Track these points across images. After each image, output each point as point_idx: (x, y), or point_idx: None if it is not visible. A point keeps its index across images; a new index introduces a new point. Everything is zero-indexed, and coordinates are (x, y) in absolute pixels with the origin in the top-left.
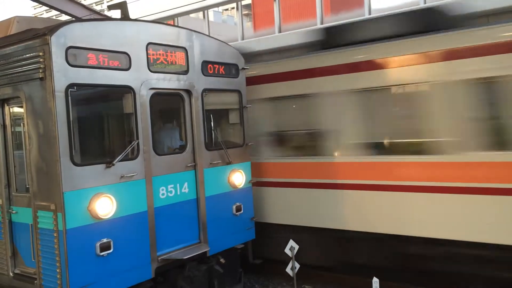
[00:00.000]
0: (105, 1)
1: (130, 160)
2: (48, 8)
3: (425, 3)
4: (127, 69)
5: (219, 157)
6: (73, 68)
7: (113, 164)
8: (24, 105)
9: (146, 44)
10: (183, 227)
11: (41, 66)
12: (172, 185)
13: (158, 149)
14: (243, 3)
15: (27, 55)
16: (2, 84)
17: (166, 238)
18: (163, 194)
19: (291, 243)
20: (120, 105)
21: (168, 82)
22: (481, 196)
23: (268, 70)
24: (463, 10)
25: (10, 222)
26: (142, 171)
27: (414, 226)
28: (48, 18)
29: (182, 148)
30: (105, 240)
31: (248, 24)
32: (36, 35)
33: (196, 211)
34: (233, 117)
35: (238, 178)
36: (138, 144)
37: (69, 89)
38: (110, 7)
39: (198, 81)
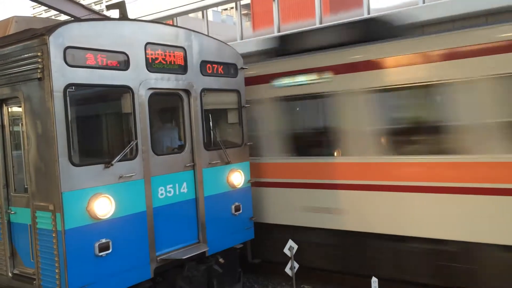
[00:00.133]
0: (104, 1)
1: (129, 160)
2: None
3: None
4: (126, 69)
5: (218, 157)
6: (71, 68)
7: (112, 164)
8: (22, 105)
9: (144, 44)
10: (182, 227)
11: (39, 66)
12: (171, 185)
13: (156, 149)
14: (242, 2)
15: (26, 55)
16: (0, 84)
17: (165, 238)
18: (162, 194)
19: (290, 243)
20: (119, 105)
21: (166, 82)
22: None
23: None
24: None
25: (9, 222)
26: (140, 171)
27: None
28: (47, 18)
29: (181, 148)
30: (104, 240)
31: (247, 24)
32: (34, 35)
33: (195, 211)
34: (232, 117)
35: (237, 178)
36: (136, 144)
37: (67, 89)
38: (109, 7)
39: (197, 81)
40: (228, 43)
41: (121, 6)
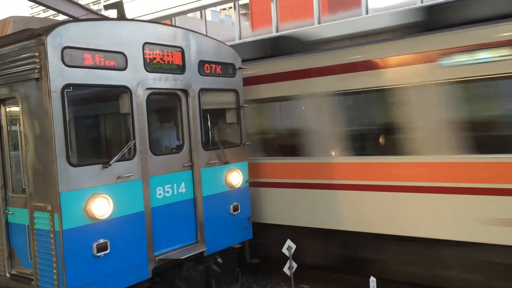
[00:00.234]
0: (101, 1)
1: (127, 160)
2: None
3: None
4: (124, 69)
5: (216, 157)
6: (69, 68)
7: (110, 165)
8: (20, 105)
9: (142, 44)
10: (180, 227)
11: (37, 66)
12: (169, 185)
13: (155, 149)
14: (241, 2)
15: (23, 56)
16: None
17: (163, 238)
18: (160, 194)
19: (289, 242)
20: (117, 105)
21: (164, 82)
22: None
23: None
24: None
25: (7, 223)
26: (139, 171)
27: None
28: (45, 18)
29: (179, 148)
30: (102, 240)
31: (245, 24)
32: (32, 35)
33: (193, 211)
34: (230, 117)
35: (235, 177)
36: (134, 144)
37: (65, 90)
38: (107, 7)
39: (195, 81)
40: (226, 43)
41: (119, 6)
